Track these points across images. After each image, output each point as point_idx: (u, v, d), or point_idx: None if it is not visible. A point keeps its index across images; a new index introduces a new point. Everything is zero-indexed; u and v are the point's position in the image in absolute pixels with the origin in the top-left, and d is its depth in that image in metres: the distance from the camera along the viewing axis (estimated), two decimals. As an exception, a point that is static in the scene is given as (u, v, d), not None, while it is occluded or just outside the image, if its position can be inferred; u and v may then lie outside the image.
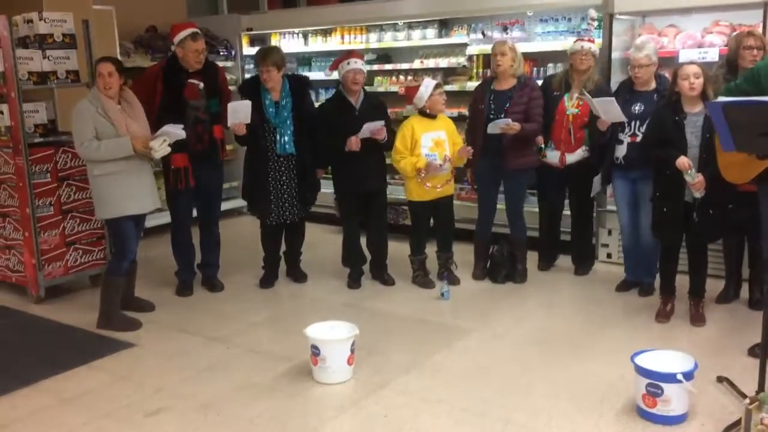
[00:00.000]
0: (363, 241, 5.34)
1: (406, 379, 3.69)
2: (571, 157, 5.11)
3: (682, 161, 4.08)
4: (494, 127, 4.95)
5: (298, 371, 3.76)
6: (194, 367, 3.88)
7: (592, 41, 5.10)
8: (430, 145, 5.05)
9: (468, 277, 5.43)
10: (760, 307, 4.51)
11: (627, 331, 4.32)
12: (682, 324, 4.39)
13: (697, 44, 5.15)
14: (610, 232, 5.69)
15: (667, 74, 5.04)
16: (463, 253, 5.55)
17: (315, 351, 3.61)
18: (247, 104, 4.76)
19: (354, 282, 5.29)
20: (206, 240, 5.22)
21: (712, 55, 4.91)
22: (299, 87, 5.14)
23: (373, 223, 5.31)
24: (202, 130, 4.92)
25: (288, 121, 5.01)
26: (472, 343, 4.20)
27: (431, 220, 5.37)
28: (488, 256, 5.48)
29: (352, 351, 3.67)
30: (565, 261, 5.66)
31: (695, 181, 4.08)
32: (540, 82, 5.37)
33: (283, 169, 5.05)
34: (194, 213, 5.18)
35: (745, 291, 4.77)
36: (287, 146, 5.01)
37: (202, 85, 4.91)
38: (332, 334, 3.67)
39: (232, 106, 4.73)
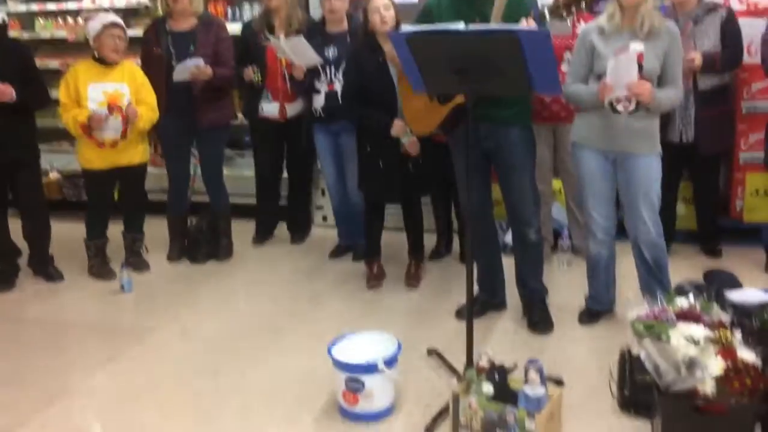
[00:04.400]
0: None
1: (47, 417, 2.75)
2: (292, 109, 4.46)
3: (398, 128, 3.64)
4: (182, 72, 4.11)
5: None
6: None
7: None
8: (101, 99, 4.01)
9: (162, 259, 4.55)
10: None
11: (336, 305, 3.82)
12: (394, 288, 4.01)
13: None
14: (323, 193, 5.18)
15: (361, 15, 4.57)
16: (161, 230, 4.65)
17: None
18: None
19: (4, 283, 4.09)
20: None
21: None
22: None
23: (24, 203, 4.14)
24: None
25: None
26: (150, 348, 3.36)
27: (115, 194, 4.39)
28: (185, 231, 4.65)
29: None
30: (282, 227, 5.05)
31: (410, 141, 3.67)
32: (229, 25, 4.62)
33: None
34: None
35: (457, 244, 4.58)
36: None
37: None
38: None
39: None
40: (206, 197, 4.67)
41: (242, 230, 4.92)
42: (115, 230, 4.39)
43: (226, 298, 3.97)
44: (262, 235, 4.97)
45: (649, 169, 3.11)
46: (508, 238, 4.34)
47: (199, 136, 4.42)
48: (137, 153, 4.20)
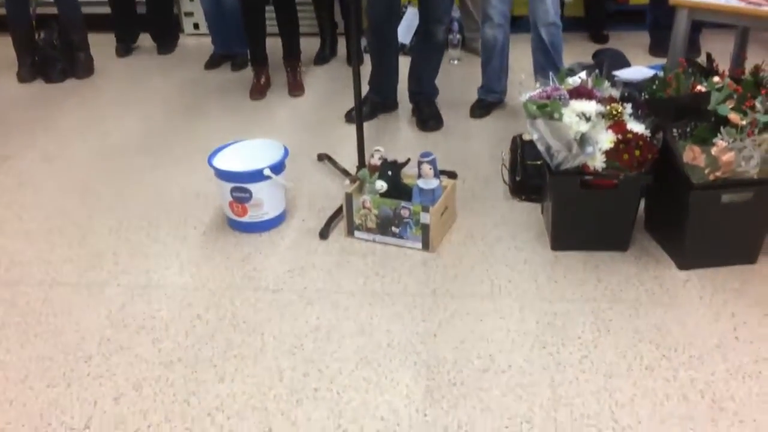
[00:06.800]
0: None
1: None
2: None
3: None
4: None
5: None
6: None
7: None
8: None
9: (12, 80, 4.02)
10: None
11: (216, 118, 3.55)
12: (280, 98, 3.76)
13: None
14: (192, -3, 4.65)
15: None
16: (3, 49, 4.08)
17: None
18: None
19: None
20: None
21: None
22: None
23: None
24: None
25: None
26: (7, 176, 3.00)
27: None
28: (34, 47, 4.07)
29: None
30: (148, 39, 4.55)
31: None
32: None
33: None
34: None
35: (342, 47, 4.31)
36: None
37: None
38: None
39: None
40: (54, 9, 4.06)
41: (101, 43, 4.40)
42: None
43: (90, 119, 3.58)
44: (124, 47, 4.47)
45: None
46: (402, 36, 4.13)
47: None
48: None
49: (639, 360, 1.85)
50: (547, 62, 3.05)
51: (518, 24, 3.17)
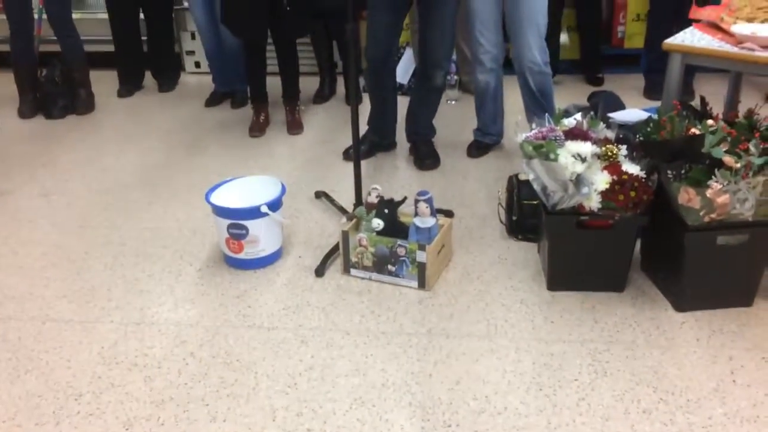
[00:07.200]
0: None
1: None
2: None
3: None
4: None
5: None
6: None
7: None
8: None
9: (13, 116, 4.05)
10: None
11: (216, 154, 3.57)
12: (279, 135, 3.79)
13: None
14: (193, 36, 4.72)
15: None
16: (5, 85, 4.13)
17: None
18: None
19: None
20: None
21: None
22: None
23: None
24: None
25: None
26: (5, 211, 3.01)
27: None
28: (36, 84, 4.12)
29: None
30: (149, 77, 4.61)
31: None
32: None
33: None
34: None
35: (341, 86, 4.36)
36: None
37: None
38: None
39: None
40: (56, 47, 4.11)
41: (103, 80, 4.45)
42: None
43: (90, 155, 3.60)
44: (128, 87, 4.51)
45: None
46: (400, 76, 4.19)
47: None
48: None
49: (636, 403, 1.82)
50: (537, 108, 3.07)
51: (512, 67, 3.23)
